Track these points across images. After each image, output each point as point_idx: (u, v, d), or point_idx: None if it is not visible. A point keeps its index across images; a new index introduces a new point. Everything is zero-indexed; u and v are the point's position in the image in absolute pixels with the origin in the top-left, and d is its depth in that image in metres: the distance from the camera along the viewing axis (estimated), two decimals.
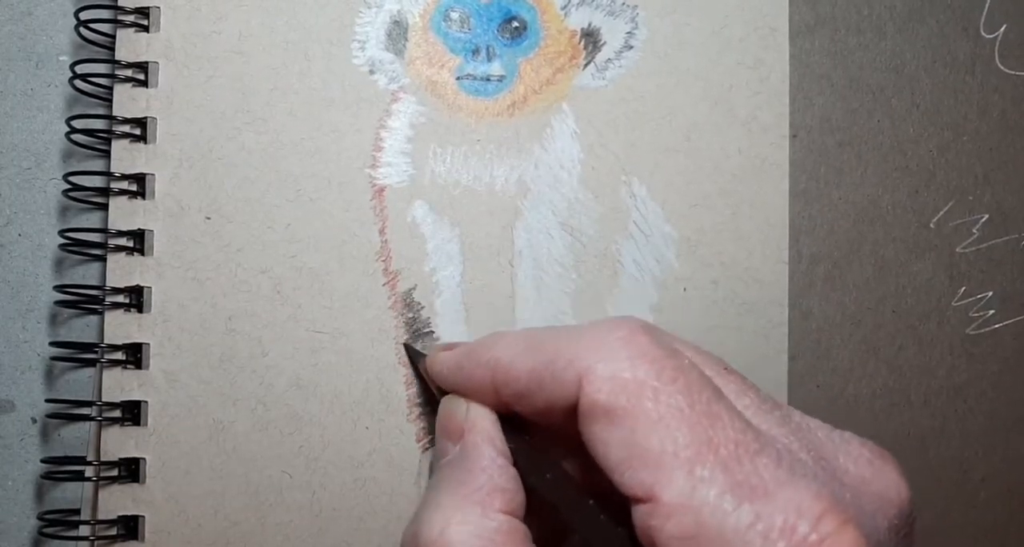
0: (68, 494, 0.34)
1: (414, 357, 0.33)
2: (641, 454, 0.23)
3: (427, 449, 0.33)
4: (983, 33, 0.35)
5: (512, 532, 0.25)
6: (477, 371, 0.28)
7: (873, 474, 0.24)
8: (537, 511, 0.27)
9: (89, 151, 0.34)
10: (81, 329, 0.34)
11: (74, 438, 0.34)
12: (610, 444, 0.24)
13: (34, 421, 0.34)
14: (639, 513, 0.23)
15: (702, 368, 0.25)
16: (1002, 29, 0.35)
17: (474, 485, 0.26)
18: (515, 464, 0.27)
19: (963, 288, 0.35)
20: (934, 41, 0.35)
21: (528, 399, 0.26)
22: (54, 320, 0.34)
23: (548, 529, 0.27)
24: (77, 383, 0.34)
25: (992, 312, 0.35)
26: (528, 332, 0.28)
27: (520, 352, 0.27)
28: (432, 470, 0.29)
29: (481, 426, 0.28)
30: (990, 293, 0.35)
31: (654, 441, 0.23)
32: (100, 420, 0.33)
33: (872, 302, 0.35)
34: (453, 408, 0.29)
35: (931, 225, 0.35)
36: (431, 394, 0.32)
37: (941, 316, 0.35)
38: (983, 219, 0.35)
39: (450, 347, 0.30)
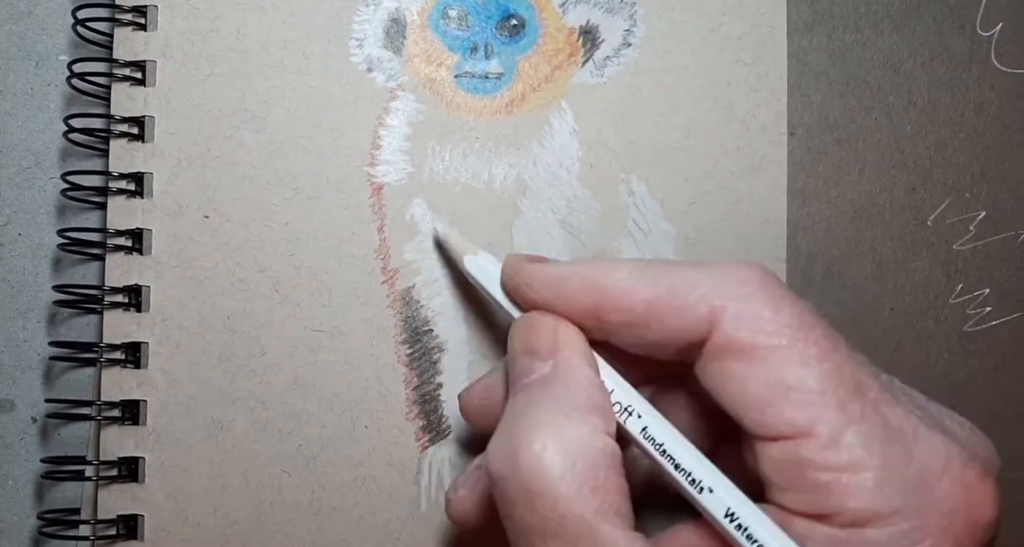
0: (68, 493, 0.34)
1: (455, 251, 0.31)
2: (788, 392, 0.23)
3: (426, 448, 0.33)
4: (979, 31, 0.35)
5: (614, 456, 0.24)
6: (582, 292, 0.26)
7: (976, 439, 0.25)
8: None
9: (88, 150, 0.34)
10: (81, 329, 0.34)
11: (74, 438, 0.34)
12: (748, 382, 0.24)
13: (34, 421, 0.34)
14: (783, 449, 0.23)
15: None
16: (998, 27, 0.35)
17: (574, 403, 0.24)
18: None
19: (960, 285, 0.35)
20: (931, 39, 0.35)
21: (638, 330, 0.25)
22: (54, 320, 0.34)
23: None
24: (77, 383, 0.34)
25: (989, 309, 0.35)
26: (641, 262, 0.26)
27: (637, 280, 0.25)
28: (511, 390, 0.27)
29: (577, 343, 0.26)
30: (987, 290, 0.35)
31: (807, 380, 0.23)
32: (99, 419, 0.33)
33: (870, 299, 0.35)
34: (540, 323, 0.27)
35: (928, 222, 0.35)
36: (476, 301, 0.29)
37: (938, 313, 0.35)
38: (980, 216, 0.35)
39: (535, 259, 0.28)
